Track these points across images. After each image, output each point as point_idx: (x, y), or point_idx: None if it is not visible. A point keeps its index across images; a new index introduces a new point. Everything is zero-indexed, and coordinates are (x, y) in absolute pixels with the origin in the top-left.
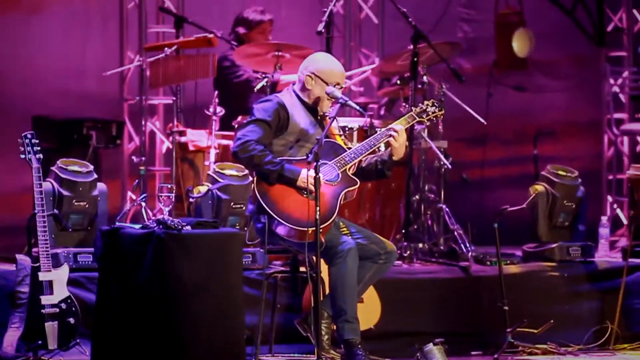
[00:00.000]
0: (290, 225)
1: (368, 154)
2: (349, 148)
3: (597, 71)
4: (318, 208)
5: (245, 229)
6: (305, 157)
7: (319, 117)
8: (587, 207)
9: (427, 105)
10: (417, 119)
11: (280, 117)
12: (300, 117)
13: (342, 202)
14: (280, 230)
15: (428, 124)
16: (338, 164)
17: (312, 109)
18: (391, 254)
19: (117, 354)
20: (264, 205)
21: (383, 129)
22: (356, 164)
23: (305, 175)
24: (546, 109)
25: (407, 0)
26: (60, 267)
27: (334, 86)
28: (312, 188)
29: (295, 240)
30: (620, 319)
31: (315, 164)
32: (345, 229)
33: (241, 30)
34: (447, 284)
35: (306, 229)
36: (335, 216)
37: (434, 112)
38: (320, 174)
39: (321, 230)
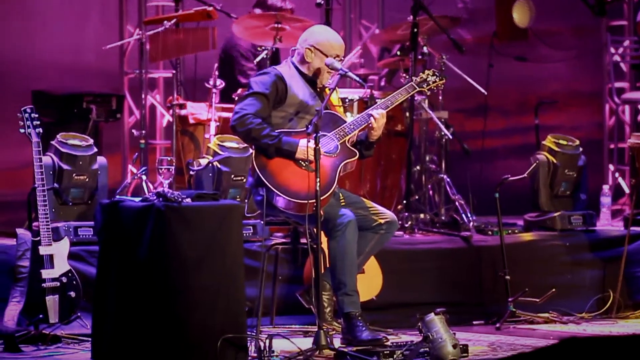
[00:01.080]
0: (289, 198)
1: (367, 126)
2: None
3: (597, 41)
4: (318, 180)
5: (245, 201)
6: (304, 128)
7: (318, 89)
8: (588, 176)
9: (428, 74)
10: (418, 88)
11: (278, 89)
12: (299, 89)
13: (341, 174)
14: (279, 203)
15: (429, 93)
16: (337, 135)
17: (311, 80)
18: (392, 224)
19: (117, 327)
20: (262, 178)
21: (381, 100)
22: (356, 135)
23: (304, 147)
24: (547, 79)
25: None
26: (60, 241)
27: (333, 57)
28: (312, 159)
29: (294, 213)
30: (622, 287)
31: (314, 135)
32: (344, 200)
33: (258, 12)
34: (448, 254)
35: (305, 201)
36: (335, 187)
37: (435, 82)
38: (319, 146)
39: (320, 202)
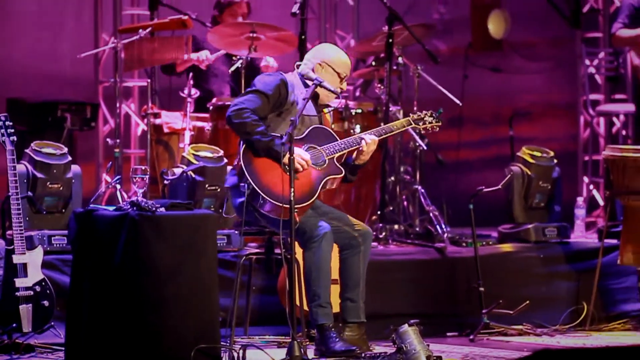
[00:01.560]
0: (269, 199)
1: (356, 149)
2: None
3: (572, 52)
4: (292, 190)
5: (220, 210)
6: (300, 135)
7: (319, 105)
8: (562, 188)
9: (426, 114)
10: (413, 124)
11: (280, 93)
12: (299, 97)
13: (324, 188)
14: (260, 203)
15: (423, 132)
16: (327, 151)
17: (314, 96)
18: (366, 234)
19: (91, 336)
20: (247, 174)
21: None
22: (344, 156)
23: (294, 154)
24: (522, 90)
25: None
26: (34, 250)
27: (342, 78)
28: (298, 167)
29: (272, 216)
30: (596, 299)
31: (288, 145)
32: (328, 215)
33: (215, 12)
34: (422, 265)
35: (283, 205)
36: (315, 199)
37: (431, 123)
38: (307, 155)
39: (297, 209)
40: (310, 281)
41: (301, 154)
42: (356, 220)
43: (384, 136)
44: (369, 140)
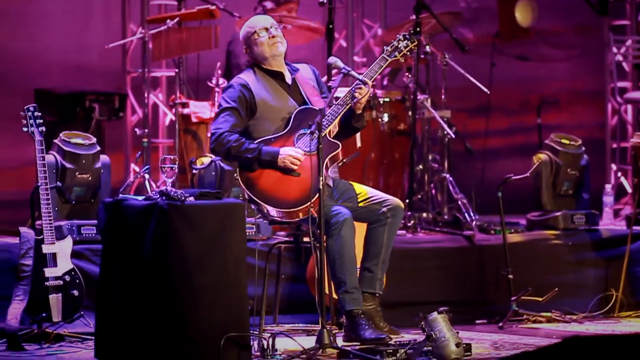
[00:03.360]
0: (278, 209)
1: (345, 111)
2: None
3: (600, 40)
4: (322, 178)
5: None
6: (280, 133)
7: (287, 81)
8: (590, 175)
9: (399, 40)
10: (390, 59)
11: (246, 99)
12: (266, 92)
13: (327, 170)
14: (271, 214)
15: (403, 60)
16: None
17: (276, 74)
18: (396, 209)
19: (120, 326)
20: (249, 194)
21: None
22: (337, 125)
23: (284, 155)
24: (549, 78)
25: None
26: (63, 240)
27: (260, 30)
28: (292, 167)
29: (287, 220)
30: (625, 286)
31: (317, 135)
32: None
33: (268, 5)
34: (451, 253)
35: (294, 209)
36: (321, 187)
37: (407, 46)
38: (299, 147)
39: (312, 204)
40: (334, 269)
41: (290, 153)
42: (386, 196)
43: (370, 80)
44: (361, 92)
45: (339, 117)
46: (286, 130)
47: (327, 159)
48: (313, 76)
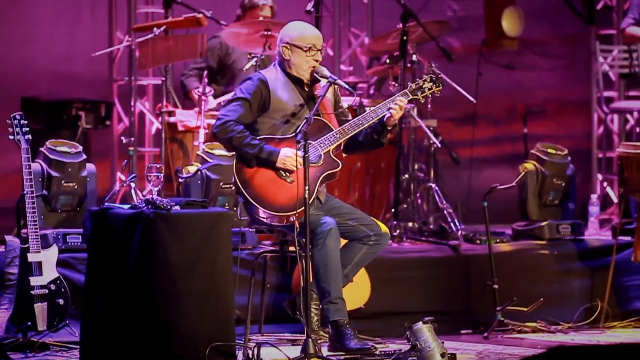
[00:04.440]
0: (264, 209)
1: (354, 133)
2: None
3: (587, 49)
4: (307, 187)
5: (235, 208)
6: (286, 135)
7: (306, 89)
8: (576, 185)
9: (424, 81)
10: (411, 96)
11: (262, 94)
12: (284, 93)
13: (321, 185)
14: (257, 213)
15: (423, 101)
16: (321, 145)
17: (297, 80)
18: (382, 236)
19: (106, 334)
20: (240, 188)
21: (371, 108)
22: (341, 144)
23: (284, 157)
24: (536, 87)
25: None
26: (49, 248)
27: (309, 49)
28: (291, 169)
29: (271, 223)
30: (610, 296)
31: (303, 142)
32: (333, 209)
33: (238, 11)
34: (436, 262)
35: (281, 213)
36: (313, 198)
37: (431, 89)
38: (300, 153)
39: (297, 214)
40: (318, 278)
41: (290, 155)
42: (375, 221)
43: (382, 114)
44: (396, 108)
45: (346, 137)
46: (292, 135)
47: (324, 174)
48: (332, 92)
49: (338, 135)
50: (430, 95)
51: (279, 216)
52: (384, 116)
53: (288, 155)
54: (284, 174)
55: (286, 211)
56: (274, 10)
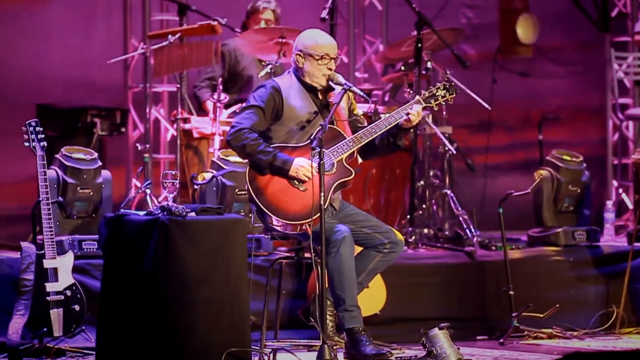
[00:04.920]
0: (277, 218)
1: (367, 142)
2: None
3: (601, 56)
4: (322, 194)
5: (250, 215)
6: (300, 143)
7: (320, 97)
8: (591, 191)
9: (438, 88)
10: (424, 104)
11: (275, 102)
12: (297, 101)
13: (334, 193)
14: (268, 221)
15: (437, 109)
16: (334, 153)
17: (312, 88)
18: (397, 244)
19: (121, 340)
20: (253, 195)
21: (386, 115)
22: (355, 152)
23: (297, 166)
24: (551, 94)
25: None
26: (65, 255)
27: (322, 58)
28: (304, 179)
29: (287, 231)
30: (626, 303)
31: (319, 149)
32: (349, 217)
33: (244, 18)
34: (452, 269)
35: (293, 222)
36: (327, 206)
37: (444, 97)
38: (314, 163)
39: (311, 222)
40: (333, 286)
41: (303, 164)
42: (390, 229)
43: (394, 124)
44: (413, 114)
45: (359, 146)
46: (306, 143)
47: (337, 182)
48: (346, 99)
49: (351, 144)
50: (444, 103)
51: (292, 224)
52: (397, 123)
53: (302, 165)
54: (297, 183)
55: (299, 219)
56: (277, 14)
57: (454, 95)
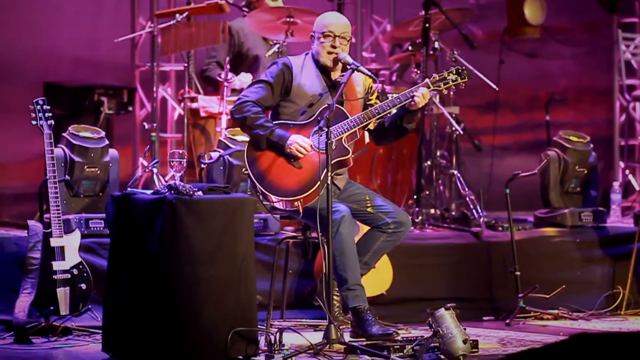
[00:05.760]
0: (270, 194)
1: (367, 123)
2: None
3: (609, 37)
4: (330, 174)
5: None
6: (303, 121)
7: (333, 79)
8: (598, 172)
9: (450, 72)
10: (432, 87)
11: (284, 79)
12: (308, 80)
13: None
14: (268, 198)
15: (446, 92)
16: (334, 132)
17: (324, 69)
18: (401, 224)
19: (128, 319)
20: (248, 170)
21: (392, 96)
22: (357, 132)
23: (292, 142)
24: (558, 75)
25: None
26: (71, 233)
27: (326, 35)
28: (298, 155)
29: (283, 208)
30: (632, 284)
31: (325, 130)
32: (352, 196)
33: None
34: (459, 249)
35: (286, 198)
36: (318, 186)
37: (455, 80)
38: (312, 141)
39: (302, 199)
40: (335, 266)
41: (298, 141)
42: (396, 208)
43: (399, 105)
44: (419, 96)
45: (359, 126)
46: (309, 121)
47: (333, 162)
48: (362, 84)
49: (352, 124)
50: (454, 87)
51: (285, 200)
52: (404, 104)
53: (296, 141)
54: (293, 160)
55: (291, 196)
56: None
57: (466, 80)
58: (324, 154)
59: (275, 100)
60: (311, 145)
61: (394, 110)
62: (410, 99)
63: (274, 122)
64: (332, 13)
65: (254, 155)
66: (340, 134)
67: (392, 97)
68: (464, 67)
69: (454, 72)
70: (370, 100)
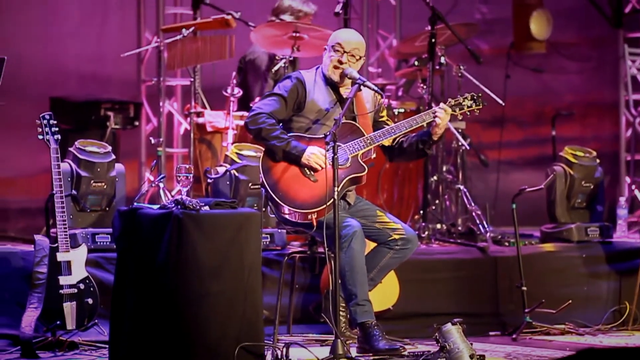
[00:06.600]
0: (284, 205)
1: (384, 141)
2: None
3: (615, 52)
4: (337, 188)
5: (264, 209)
6: (317, 135)
7: (341, 93)
8: (604, 187)
9: (465, 98)
10: (450, 110)
11: (298, 94)
12: (320, 95)
13: (345, 187)
14: (280, 208)
15: (460, 118)
16: (350, 149)
17: (332, 83)
18: (409, 241)
19: (135, 334)
20: (264, 181)
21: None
22: (372, 150)
23: (310, 154)
24: (564, 90)
25: None
26: (78, 248)
27: (335, 49)
28: (316, 167)
29: (294, 220)
30: (639, 299)
31: (332, 144)
32: (360, 212)
33: (287, 18)
34: (465, 264)
35: (301, 210)
36: (331, 201)
37: (471, 107)
38: (328, 154)
39: (316, 213)
40: (345, 281)
41: (316, 153)
42: (403, 225)
43: (416, 127)
44: (441, 114)
45: (376, 144)
46: (322, 135)
47: (348, 177)
48: (371, 100)
49: (368, 141)
50: (468, 114)
51: (298, 213)
52: (421, 127)
53: (314, 153)
54: (308, 172)
55: (306, 208)
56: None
57: (481, 107)
58: (341, 169)
59: (288, 114)
60: (326, 158)
61: (414, 127)
62: (433, 117)
63: (289, 135)
64: (348, 30)
65: (269, 165)
66: (356, 151)
67: (411, 118)
68: (480, 94)
69: (469, 99)
70: (382, 117)
